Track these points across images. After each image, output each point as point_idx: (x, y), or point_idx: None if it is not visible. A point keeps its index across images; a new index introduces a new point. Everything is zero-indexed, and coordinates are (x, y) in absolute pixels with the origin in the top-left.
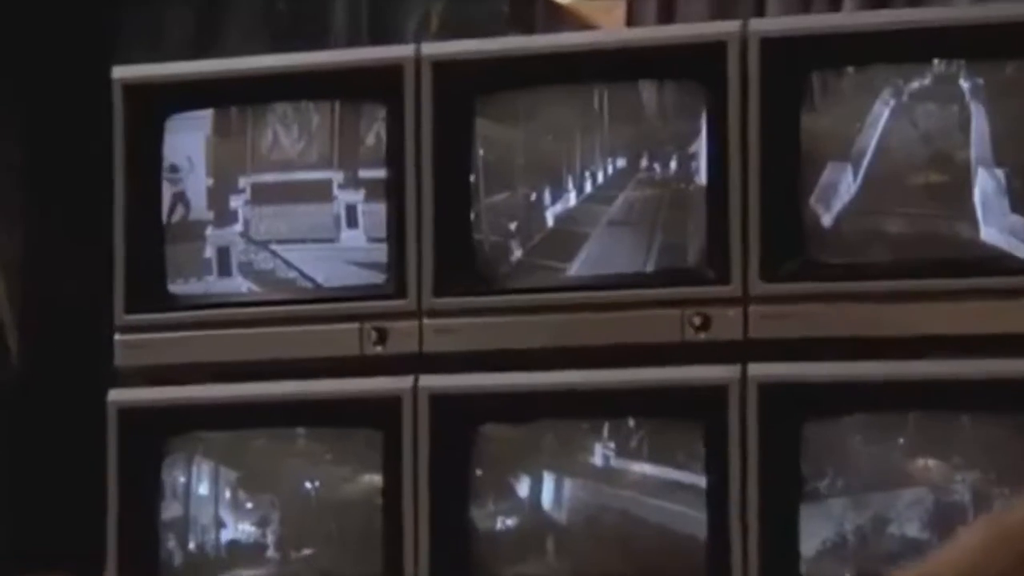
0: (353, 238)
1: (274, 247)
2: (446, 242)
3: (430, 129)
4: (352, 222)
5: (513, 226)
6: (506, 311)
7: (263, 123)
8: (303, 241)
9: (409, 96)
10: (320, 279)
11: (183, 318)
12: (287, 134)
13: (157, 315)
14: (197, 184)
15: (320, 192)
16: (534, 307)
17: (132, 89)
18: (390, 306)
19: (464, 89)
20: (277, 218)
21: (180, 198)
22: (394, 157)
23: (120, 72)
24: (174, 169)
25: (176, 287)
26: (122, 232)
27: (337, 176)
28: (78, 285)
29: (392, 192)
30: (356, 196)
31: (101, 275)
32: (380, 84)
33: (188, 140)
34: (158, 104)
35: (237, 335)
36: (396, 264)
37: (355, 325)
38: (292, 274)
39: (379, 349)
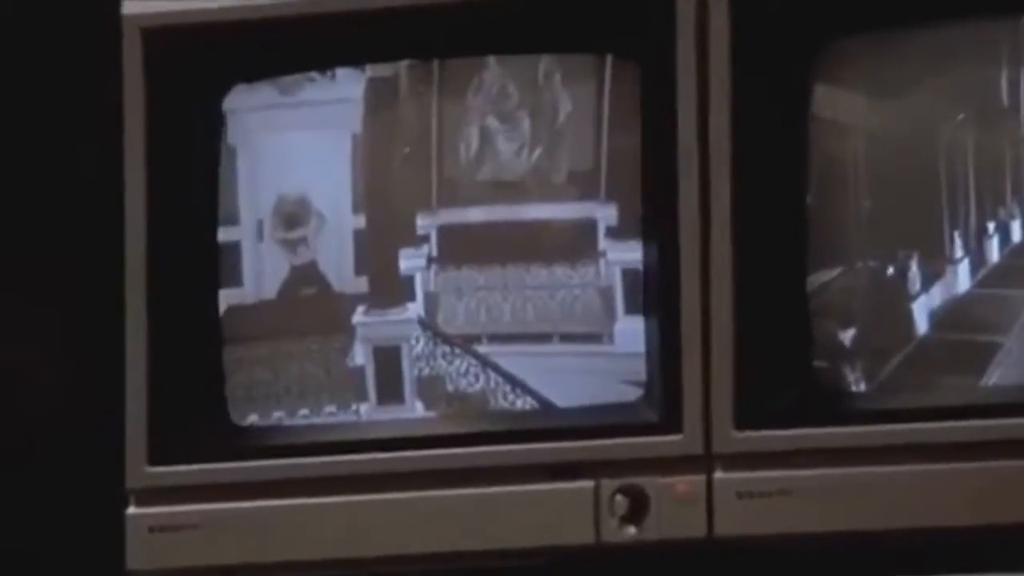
0: (630, 333)
1: (484, 347)
2: (759, 332)
3: (727, 110)
4: (633, 302)
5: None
6: (869, 456)
7: (461, 108)
8: (540, 338)
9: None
10: (560, 401)
11: (282, 472)
12: (507, 131)
13: (223, 466)
14: (329, 227)
15: (575, 244)
16: (925, 446)
17: (155, 35)
18: (650, 447)
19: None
20: (490, 293)
21: (292, 245)
22: (657, 172)
23: (134, 6)
24: (285, 202)
25: (265, 418)
26: (142, 315)
27: (606, 213)
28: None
29: (654, 237)
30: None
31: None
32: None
33: (303, 142)
34: (214, 63)
35: (393, 503)
36: (662, 371)
37: (587, 483)
38: (513, 397)
39: (631, 531)
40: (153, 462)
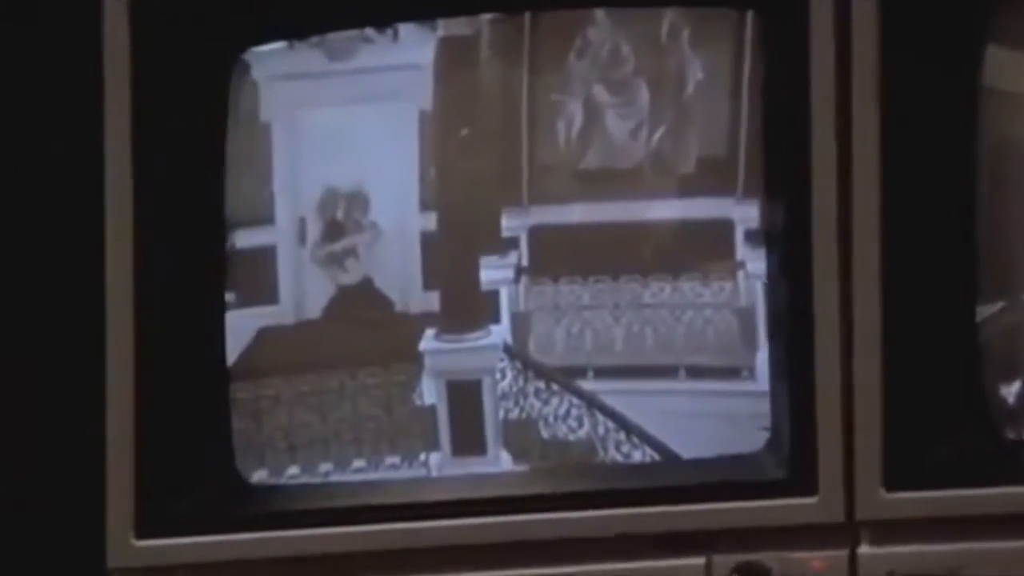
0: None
1: (590, 383)
2: (913, 372)
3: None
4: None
5: None
6: None
7: (559, 76)
8: (661, 373)
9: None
10: (687, 451)
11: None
12: (619, 106)
13: (242, 538)
14: (390, 230)
15: (706, 252)
16: None
17: None
18: (775, 512)
19: None
20: (597, 313)
21: (338, 259)
22: (784, 168)
23: None
24: (333, 196)
25: (309, 471)
26: (127, 341)
27: (745, 213)
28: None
29: (780, 247)
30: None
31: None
32: None
33: (357, 119)
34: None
35: None
36: (792, 415)
37: (696, 560)
38: (628, 446)
39: None
40: (142, 534)
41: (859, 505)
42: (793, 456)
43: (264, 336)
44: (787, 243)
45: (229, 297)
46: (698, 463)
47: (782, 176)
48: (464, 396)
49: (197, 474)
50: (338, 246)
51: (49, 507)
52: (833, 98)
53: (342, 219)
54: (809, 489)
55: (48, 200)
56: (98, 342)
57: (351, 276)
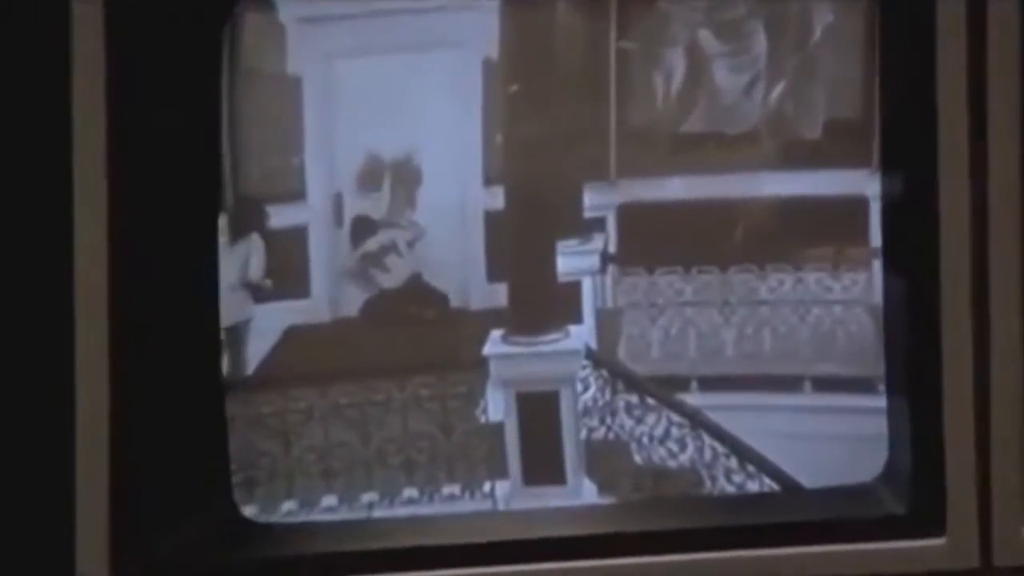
0: None
1: (694, 397)
2: None
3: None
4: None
5: None
6: None
7: (655, 19)
8: (782, 384)
9: None
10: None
11: None
12: (731, 56)
13: None
14: (446, 210)
15: (837, 236)
16: None
17: None
18: (894, 555)
19: None
20: (702, 312)
21: (379, 259)
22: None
23: None
24: (377, 166)
25: (349, 503)
26: (101, 349)
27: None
28: None
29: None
30: None
31: None
32: None
33: (408, 72)
34: None
35: None
36: (915, 440)
37: None
38: (741, 476)
39: None
40: None
41: (997, 548)
42: (916, 487)
43: (293, 336)
44: (910, 230)
45: (246, 290)
46: (813, 495)
47: (906, 150)
48: (538, 412)
49: (186, 506)
50: (373, 243)
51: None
52: (964, 64)
53: (386, 197)
54: (936, 528)
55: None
56: (67, 340)
57: (395, 278)
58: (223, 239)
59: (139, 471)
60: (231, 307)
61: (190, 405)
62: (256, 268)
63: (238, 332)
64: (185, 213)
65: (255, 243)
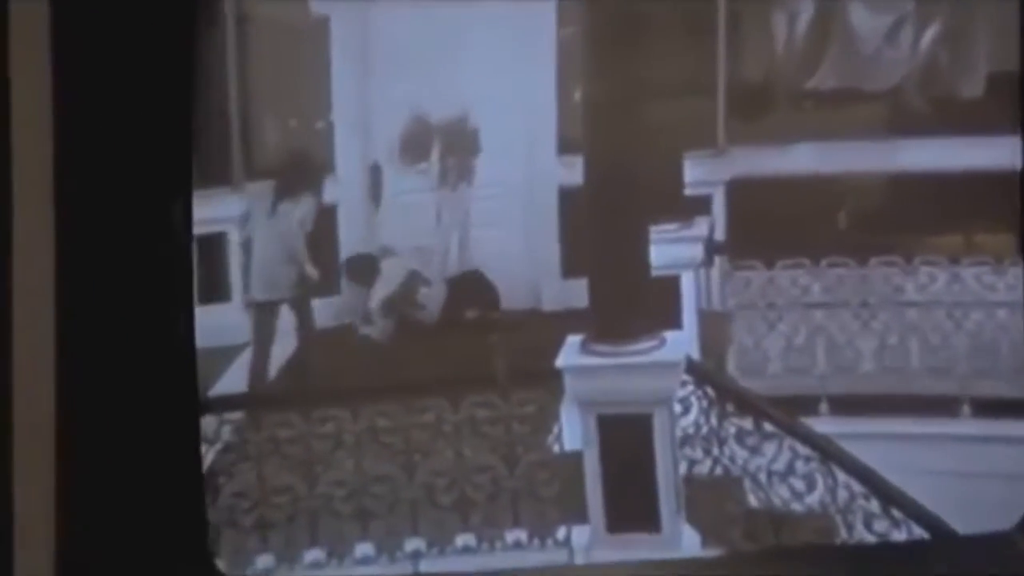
0: None
1: (824, 423)
2: None
3: None
4: None
5: None
6: None
7: None
8: (935, 407)
9: None
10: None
11: None
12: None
13: None
14: (511, 188)
15: (1000, 223)
16: None
17: None
18: None
19: None
20: (833, 315)
21: (402, 301)
22: None
23: None
24: (423, 130)
25: (387, 553)
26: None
27: None
28: None
29: None
30: None
31: None
32: None
33: (461, 18)
34: None
35: None
36: None
37: None
38: (885, 523)
39: None
40: None
41: None
42: None
43: (318, 342)
44: None
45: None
46: (972, 544)
47: None
48: (626, 439)
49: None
50: (385, 285)
51: None
52: None
53: (435, 169)
54: None
55: None
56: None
57: (433, 309)
58: (263, 210)
59: (97, 513)
60: (274, 287)
61: (160, 430)
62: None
63: (267, 320)
64: (145, 202)
65: (305, 203)
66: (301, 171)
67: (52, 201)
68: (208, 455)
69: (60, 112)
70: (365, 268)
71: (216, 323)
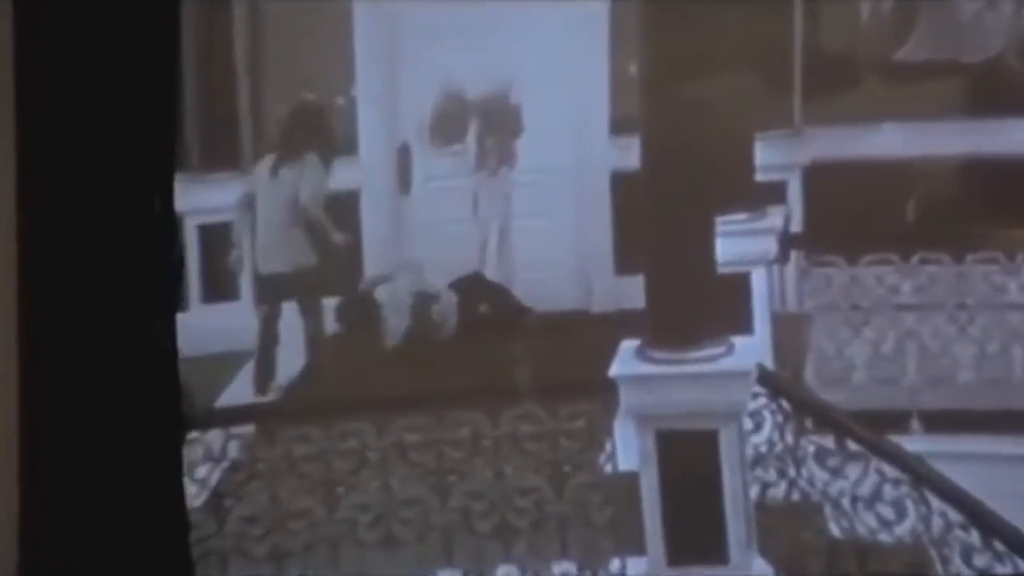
0: None
1: (917, 441)
2: None
3: None
4: None
5: None
6: None
7: None
8: None
9: None
10: None
11: None
12: None
13: None
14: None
15: None
16: None
17: None
18: None
19: None
20: (926, 319)
21: (422, 323)
22: None
23: None
24: (458, 107)
25: None
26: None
27: None
28: None
29: None
30: None
31: None
32: None
33: None
34: None
35: None
36: None
37: None
38: (986, 556)
39: None
40: None
41: None
42: None
43: (338, 346)
44: None
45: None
46: None
47: None
48: (689, 459)
49: None
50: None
51: None
52: None
53: (472, 150)
54: None
55: None
56: None
57: (451, 322)
58: (264, 173)
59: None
60: (278, 256)
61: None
62: (310, 191)
63: (272, 321)
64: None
65: (309, 163)
66: (302, 128)
67: (15, 195)
68: (213, 474)
69: (23, 99)
70: (364, 311)
71: (222, 324)
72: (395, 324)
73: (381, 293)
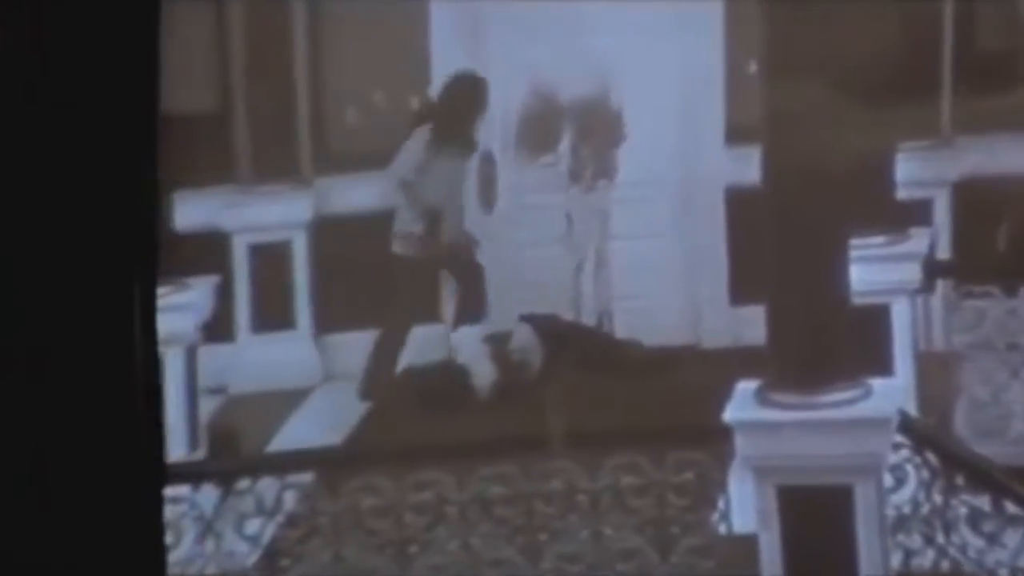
0: None
1: None
2: None
3: None
4: None
5: None
6: None
7: None
8: None
9: None
10: None
11: None
12: None
13: None
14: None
15: None
16: None
17: None
18: None
19: None
20: None
21: (499, 344)
22: None
23: None
24: (551, 111)
25: None
26: None
27: None
28: None
29: None
30: None
31: None
32: None
33: None
34: None
35: None
36: None
37: None
38: None
39: None
40: None
41: None
42: None
43: (409, 383)
44: None
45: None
46: None
47: None
48: (818, 519)
49: None
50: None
51: None
52: None
53: (566, 159)
54: None
55: None
56: None
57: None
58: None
59: None
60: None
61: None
62: (406, 163)
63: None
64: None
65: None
66: (463, 100)
67: None
68: (266, 530)
69: None
70: (448, 376)
71: (277, 358)
72: (481, 377)
73: (456, 344)
